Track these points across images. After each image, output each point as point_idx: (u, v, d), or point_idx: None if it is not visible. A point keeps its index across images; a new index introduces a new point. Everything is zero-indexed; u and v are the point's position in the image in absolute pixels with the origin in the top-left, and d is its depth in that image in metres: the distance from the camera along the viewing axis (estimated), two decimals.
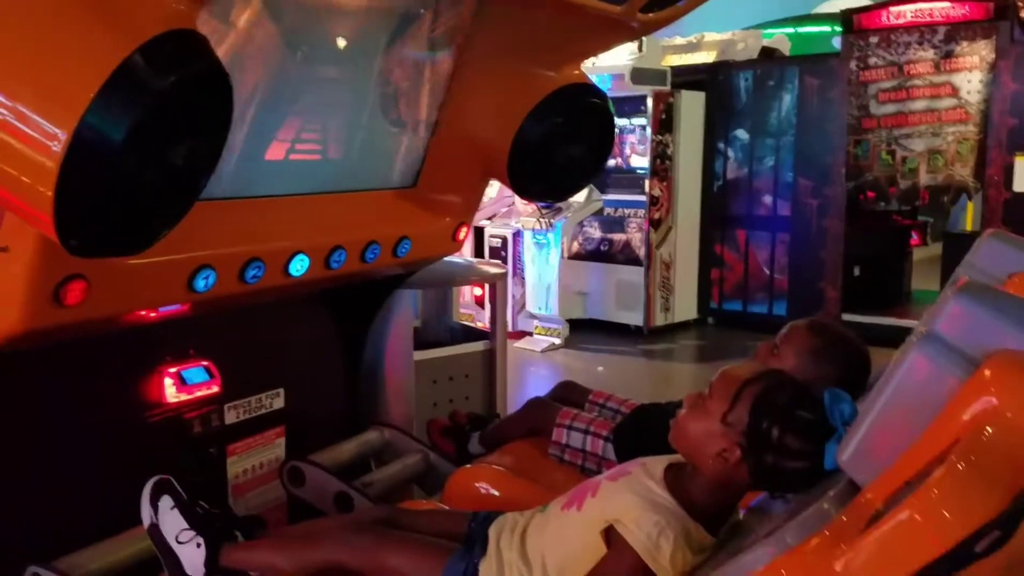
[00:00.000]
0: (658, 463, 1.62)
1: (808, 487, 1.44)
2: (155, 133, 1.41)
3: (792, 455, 1.46)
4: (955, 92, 6.47)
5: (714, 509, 1.55)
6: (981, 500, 1.03)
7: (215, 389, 2.55)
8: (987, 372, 1.14)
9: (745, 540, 1.42)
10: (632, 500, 1.54)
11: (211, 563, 1.92)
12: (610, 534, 1.53)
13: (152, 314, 2.18)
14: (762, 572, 1.25)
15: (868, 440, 1.24)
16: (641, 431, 2.40)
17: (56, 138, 1.33)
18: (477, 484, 2.39)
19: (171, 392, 2.43)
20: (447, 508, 2.23)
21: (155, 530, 1.96)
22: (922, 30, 6.52)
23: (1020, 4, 6.18)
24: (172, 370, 2.44)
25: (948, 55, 6.45)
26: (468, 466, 2.54)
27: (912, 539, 1.06)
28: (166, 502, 1.96)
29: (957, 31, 6.38)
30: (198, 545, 1.92)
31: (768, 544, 1.28)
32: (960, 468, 1.07)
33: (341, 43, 2.41)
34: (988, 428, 1.10)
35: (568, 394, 2.85)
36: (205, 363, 2.52)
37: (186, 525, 1.93)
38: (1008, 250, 1.84)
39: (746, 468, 1.49)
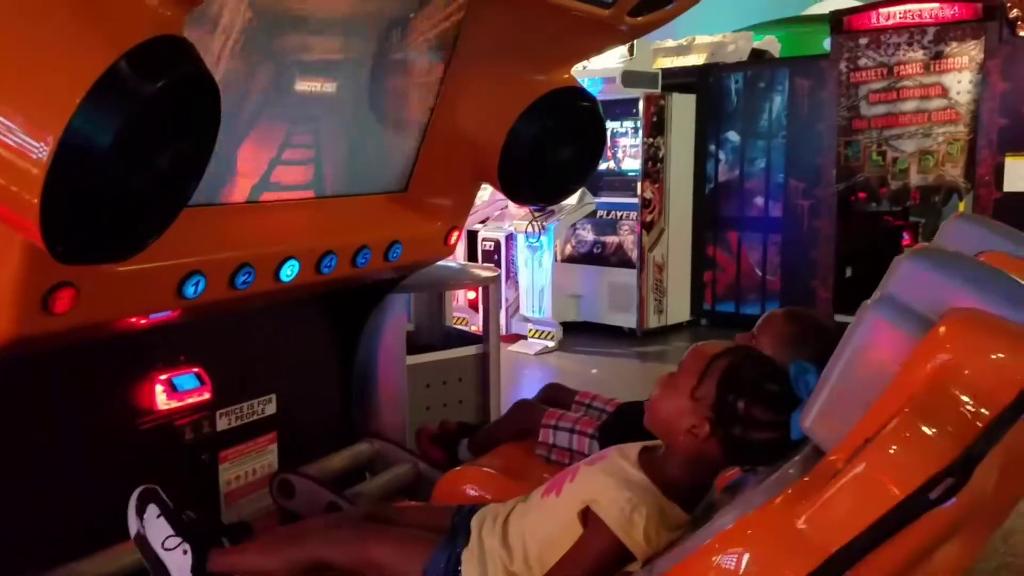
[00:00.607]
0: (634, 447, 1.65)
1: (778, 459, 1.46)
2: (142, 139, 1.41)
3: (759, 426, 1.49)
4: (945, 93, 6.50)
5: (688, 487, 1.58)
6: (934, 450, 1.05)
7: (206, 396, 2.54)
8: (942, 329, 1.17)
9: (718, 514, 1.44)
10: (606, 480, 1.57)
11: (198, 569, 1.92)
12: (586, 515, 1.56)
13: (142, 321, 2.17)
14: (728, 531, 1.27)
15: (829, 404, 1.27)
16: (625, 428, 2.40)
17: (42, 145, 1.32)
18: (465, 486, 2.39)
19: (162, 399, 2.43)
20: (432, 505, 2.24)
21: (142, 539, 1.96)
22: (911, 31, 6.55)
23: (1009, 4, 6.21)
24: (163, 377, 2.43)
25: (938, 56, 6.47)
26: (457, 468, 2.54)
27: (869, 489, 1.08)
28: (152, 511, 1.97)
29: (946, 32, 6.41)
30: (184, 552, 1.92)
31: (735, 508, 1.31)
32: (915, 420, 1.09)
33: (331, 47, 2.41)
34: (944, 383, 1.12)
35: (555, 395, 2.87)
36: (196, 369, 2.52)
37: (172, 532, 1.94)
38: (974, 229, 1.86)
39: (716, 443, 1.51)
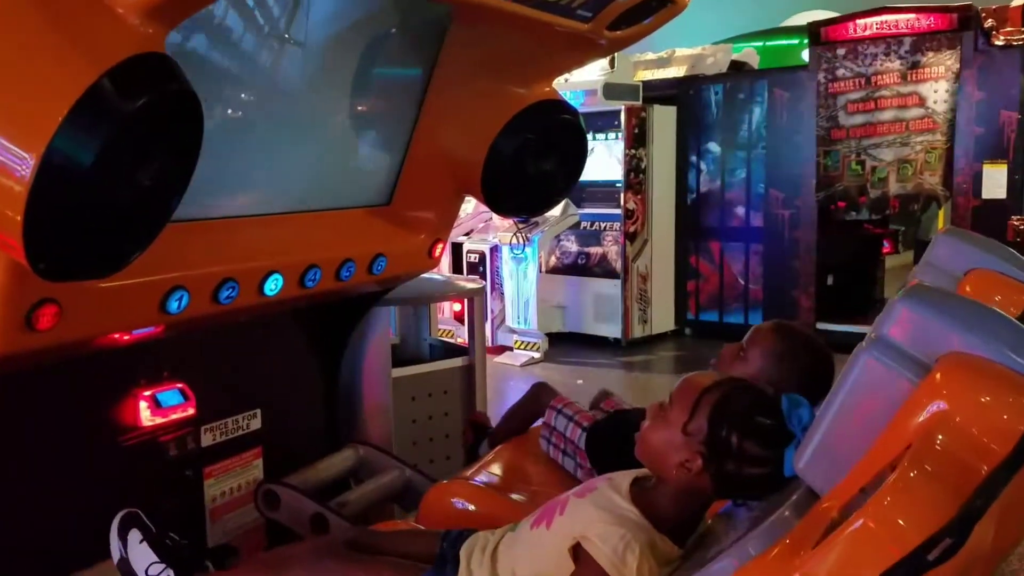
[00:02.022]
0: (624, 477, 1.62)
1: (770, 493, 1.44)
2: (124, 157, 1.41)
3: (752, 462, 1.46)
4: (922, 102, 6.58)
5: (680, 520, 1.55)
6: (933, 505, 1.03)
7: (190, 411, 2.53)
8: (937, 376, 1.15)
9: (710, 550, 1.43)
10: (597, 515, 1.54)
11: None
12: (577, 551, 1.52)
13: (125, 337, 2.16)
14: None
15: (822, 447, 1.25)
16: (615, 430, 2.45)
17: (24, 162, 1.32)
18: (452, 500, 2.39)
19: (146, 415, 2.42)
20: (419, 528, 2.22)
21: (125, 564, 1.95)
22: (888, 41, 6.63)
23: (984, 14, 6.31)
24: (147, 393, 2.42)
25: (914, 65, 6.56)
26: (443, 482, 2.54)
27: (867, 548, 1.06)
28: (134, 536, 1.95)
29: (922, 42, 6.49)
30: None
31: (731, 555, 1.28)
32: (912, 475, 1.07)
33: (315, 62, 2.42)
34: (939, 434, 1.10)
35: (538, 394, 2.88)
36: (180, 385, 2.51)
37: (155, 558, 1.93)
38: (964, 247, 1.85)
39: (709, 477, 1.48)
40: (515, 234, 6.71)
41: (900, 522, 1.04)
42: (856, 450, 1.19)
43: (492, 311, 6.86)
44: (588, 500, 1.60)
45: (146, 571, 1.93)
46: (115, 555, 1.97)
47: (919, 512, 1.04)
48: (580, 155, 2.77)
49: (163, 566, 1.92)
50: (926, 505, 1.04)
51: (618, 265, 7.19)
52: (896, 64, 6.62)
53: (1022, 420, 1.08)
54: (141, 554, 1.94)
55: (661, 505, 1.54)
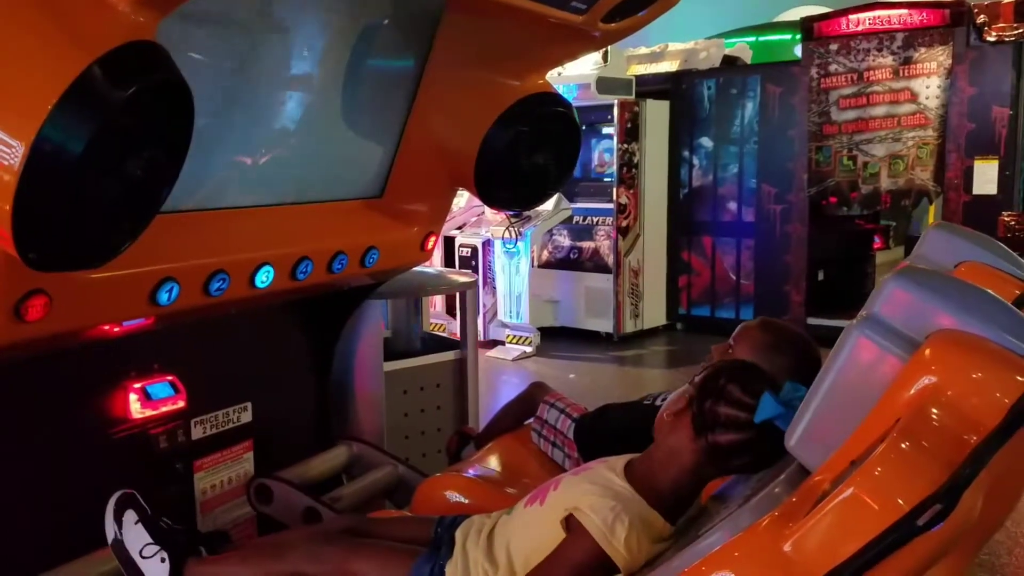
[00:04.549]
0: (619, 459, 1.66)
1: (761, 467, 1.49)
2: (114, 146, 1.40)
3: (728, 427, 1.52)
4: (914, 97, 6.60)
5: (673, 497, 1.59)
6: (922, 474, 1.04)
7: (181, 404, 2.52)
8: (927, 352, 1.16)
9: (702, 528, 1.44)
10: (590, 488, 1.58)
11: None
12: (569, 522, 1.56)
13: (115, 329, 2.15)
14: (715, 555, 1.26)
15: (814, 423, 1.26)
16: (603, 421, 2.52)
17: (14, 151, 1.31)
18: (445, 493, 2.39)
19: (136, 408, 2.41)
20: (414, 516, 2.23)
21: (119, 545, 1.94)
22: (881, 37, 6.64)
23: (976, 10, 6.32)
24: (137, 385, 2.41)
25: (907, 61, 6.57)
26: (436, 475, 2.54)
27: (856, 515, 1.07)
28: (130, 517, 1.95)
29: (915, 37, 6.51)
30: (162, 560, 1.90)
31: (723, 528, 1.30)
32: (902, 445, 1.08)
33: (306, 53, 2.41)
34: (930, 406, 1.12)
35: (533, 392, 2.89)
36: (170, 378, 2.50)
37: (150, 540, 1.92)
38: (955, 239, 1.87)
39: (699, 450, 1.55)
40: (507, 228, 6.70)
41: (889, 490, 1.06)
42: (847, 426, 1.20)
43: (484, 305, 6.85)
44: (582, 476, 1.65)
45: (140, 552, 1.92)
46: (110, 535, 1.96)
47: (908, 480, 1.05)
48: (574, 148, 2.76)
49: (157, 548, 1.91)
50: (915, 474, 1.05)
51: (610, 260, 7.20)
52: (888, 59, 6.64)
53: (1011, 394, 1.09)
54: (136, 535, 1.93)
55: (655, 483, 1.58)
